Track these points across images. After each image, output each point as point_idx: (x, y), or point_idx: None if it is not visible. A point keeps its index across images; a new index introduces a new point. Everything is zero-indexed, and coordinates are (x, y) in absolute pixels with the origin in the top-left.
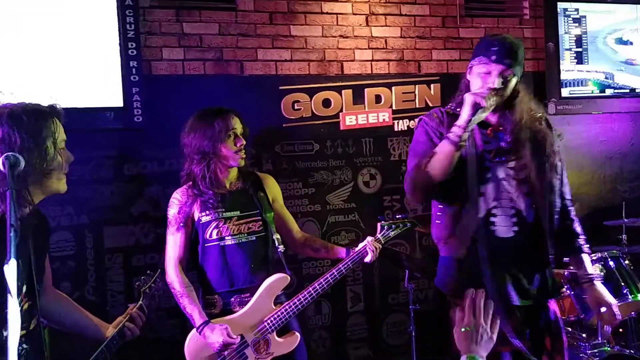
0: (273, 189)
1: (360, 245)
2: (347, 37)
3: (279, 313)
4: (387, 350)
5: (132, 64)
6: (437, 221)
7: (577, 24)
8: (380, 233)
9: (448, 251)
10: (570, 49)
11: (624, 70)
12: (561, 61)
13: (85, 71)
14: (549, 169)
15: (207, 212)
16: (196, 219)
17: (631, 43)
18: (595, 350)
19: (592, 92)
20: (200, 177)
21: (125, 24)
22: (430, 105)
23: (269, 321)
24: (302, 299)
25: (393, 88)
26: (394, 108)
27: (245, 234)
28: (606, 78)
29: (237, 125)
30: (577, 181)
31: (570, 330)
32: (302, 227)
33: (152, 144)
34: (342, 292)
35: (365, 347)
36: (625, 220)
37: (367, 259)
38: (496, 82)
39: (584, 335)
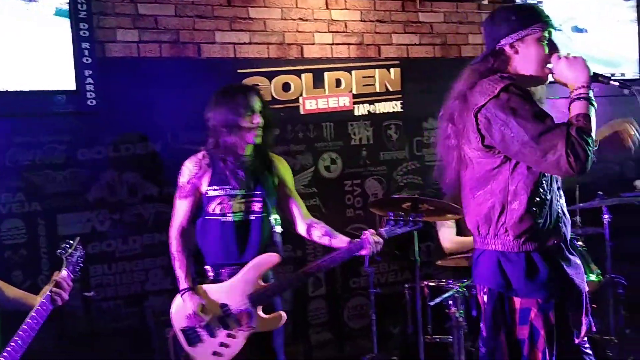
0: (282, 171)
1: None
2: (306, 20)
3: (264, 290)
4: (349, 333)
5: (85, 46)
6: (513, 206)
7: None
8: (385, 227)
9: (524, 245)
10: None
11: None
12: None
13: (35, 53)
14: None
15: (216, 186)
16: (203, 191)
17: (586, 31)
18: None
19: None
20: (219, 149)
21: (76, 4)
22: (391, 89)
23: (252, 295)
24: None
25: (353, 72)
26: (354, 92)
27: (246, 213)
28: None
29: (257, 103)
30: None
31: None
32: None
33: (107, 128)
34: None
35: (327, 331)
36: (580, 204)
37: (364, 251)
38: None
39: None
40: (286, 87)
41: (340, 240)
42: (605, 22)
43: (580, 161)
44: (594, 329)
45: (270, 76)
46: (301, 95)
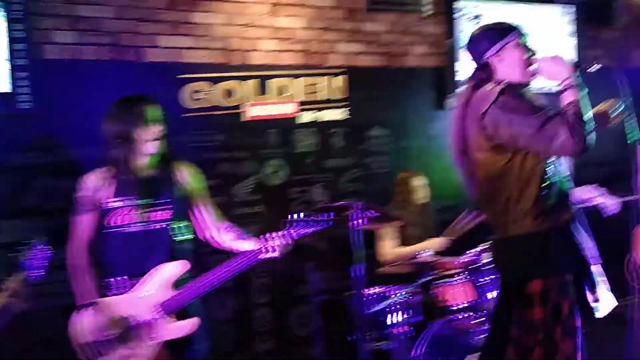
0: (190, 177)
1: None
2: (251, 27)
3: (174, 298)
4: (293, 341)
5: (19, 47)
6: (527, 193)
7: (475, 22)
8: (288, 229)
9: (541, 225)
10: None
11: None
12: (459, 58)
13: None
14: None
15: (118, 198)
16: (104, 203)
17: None
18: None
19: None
20: (118, 161)
21: (11, 5)
22: (337, 97)
23: (162, 304)
24: (196, 289)
25: (298, 79)
26: (299, 100)
27: (149, 223)
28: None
29: (153, 112)
30: None
31: (465, 315)
32: None
33: (42, 132)
34: (248, 285)
35: (271, 339)
36: None
37: (264, 256)
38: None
39: (477, 321)
40: (229, 93)
41: (249, 245)
42: (543, 35)
43: (582, 140)
44: (614, 302)
45: (213, 82)
46: (245, 101)
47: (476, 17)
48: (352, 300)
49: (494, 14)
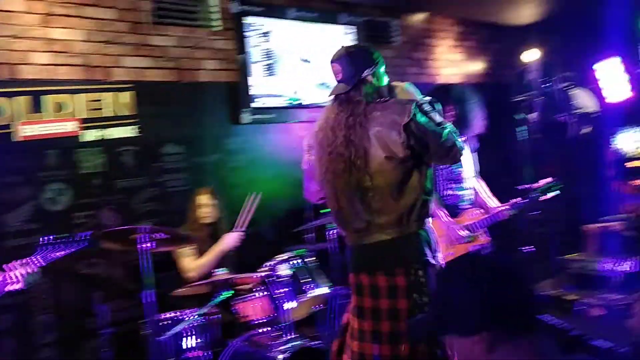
0: None
1: None
2: (20, 38)
3: None
4: None
5: None
6: (429, 197)
7: (264, 39)
8: (33, 255)
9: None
10: (259, 62)
11: (307, 86)
12: (252, 73)
13: None
14: None
15: None
16: None
17: (312, 61)
18: (287, 346)
19: (283, 103)
20: None
21: None
22: (124, 114)
23: None
24: None
25: (79, 95)
26: (81, 117)
27: None
28: (294, 93)
29: None
30: (274, 186)
31: (264, 330)
32: None
33: None
34: (29, 323)
35: None
36: (314, 222)
37: (8, 287)
38: None
39: (276, 334)
40: None
41: None
42: (329, 53)
43: (460, 151)
44: None
45: None
46: (15, 120)
47: (265, 33)
48: (145, 328)
49: (282, 31)
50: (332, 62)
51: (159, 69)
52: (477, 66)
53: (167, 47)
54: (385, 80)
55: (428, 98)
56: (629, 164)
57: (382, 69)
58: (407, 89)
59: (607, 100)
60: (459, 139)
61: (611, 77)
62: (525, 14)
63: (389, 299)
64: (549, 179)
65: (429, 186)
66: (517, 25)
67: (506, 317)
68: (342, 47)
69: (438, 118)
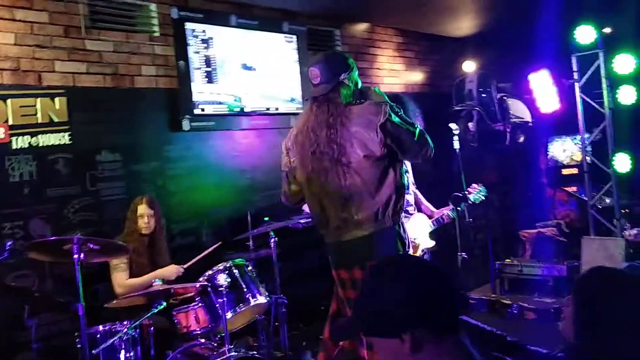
0: None
1: None
2: None
3: None
4: None
5: None
6: (402, 193)
7: (205, 45)
8: None
9: (401, 216)
10: (200, 69)
11: (249, 93)
12: (193, 80)
13: None
14: None
15: None
16: None
17: (255, 69)
18: (225, 357)
19: (224, 111)
20: None
21: None
22: (56, 120)
23: None
24: None
25: (9, 101)
26: (10, 123)
27: None
28: (235, 100)
29: None
30: (215, 194)
31: (203, 341)
32: None
33: None
34: None
35: None
36: (252, 231)
37: None
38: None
39: (215, 344)
40: None
41: None
42: (271, 61)
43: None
44: None
45: None
46: None
47: (206, 40)
48: (78, 341)
49: (224, 38)
50: (310, 66)
51: (94, 74)
52: (417, 76)
53: (103, 52)
54: (359, 84)
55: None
56: (563, 172)
57: (356, 73)
58: (379, 93)
59: (540, 111)
60: (429, 139)
61: (542, 88)
62: (464, 26)
63: None
64: (478, 185)
65: (403, 182)
66: (456, 37)
67: (431, 317)
68: (320, 53)
69: (409, 119)
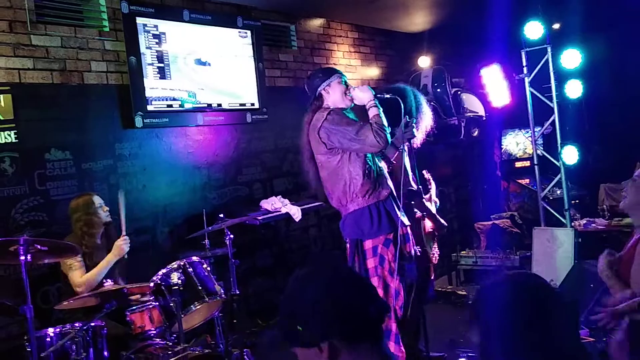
0: None
1: None
2: None
3: None
4: None
5: None
6: (355, 179)
7: (157, 41)
8: None
9: (368, 201)
10: (152, 65)
11: (204, 89)
12: (145, 76)
13: None
14: None
15: None
16: None
17: (209, 64)
18: (180, 356)
19: (178, 107)
20: None
21: None
22: (1, 118)
23: None
24: None
25: None
26: None
27: None
28: (189, 96)
29: None
30: (170, 192)
31: (158, 341)
32: None
33: None
34: None
35: None
36: (208, 228)
37: None
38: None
39: (170, 343)
40: None
41: None
42: (226, 56)
43: (383, 140)
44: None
45: None
46: None
47: (158, 35)
48: (27, 345)
49: (177, 34)
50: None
51: (41, 70)
52: (373, 71)
53: (50, 48)
54: (338, 89)
55: (388, 95)
56: (516, 165)
57: (337, 81)
58: (357, 92)
59: (493, 105)
60: (377, 130)
61: (494, 82)
62: (418, 22)
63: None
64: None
65: (357, 171)
66: (411, 32)
67: (347, 325)
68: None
69: (352, 118)
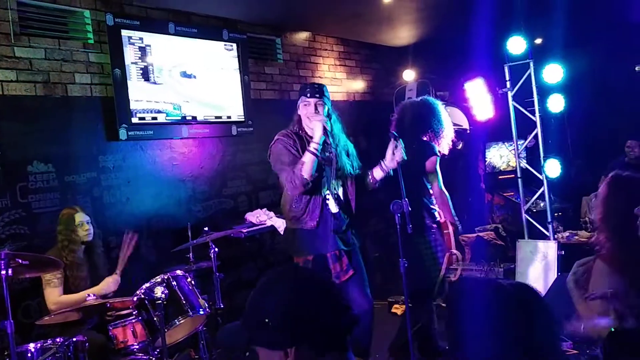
0: None
1: None
2: None
3: None
4: None
5: None
6: (289, 204)
7: (142, 53)
8: None
9: (293, 225)
10: (137, 77)
11: (189, 102)
12: (130, 88)
13: None
14: None
15: None
16: None
17: (195, 77)
18: None
19: (163, 119)
20: None
21: None
22: None
23: None
24: None
25: None
26: None
27: None
28: (174, 108)
29: None
30: (155, 205)
31: (141, 356)
32: None
33: None
34: None
35: None
36: (192, 241)
37: None
38: (317, 111)
39: (153, 358)
40: None
41: None
42: (212, 69)
43: (294, 187)
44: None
45: None
46: None
47: (144, 48)
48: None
49: (162, 46)
50: None
51: (24, 82)
52: (358, 85)
53: (33, 60)
54: (303, 110)
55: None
56: (500, 177)
57: (303, 103)
58: (313, 124)
59: (477, 118)
60: (294, 182)
61: (478, 96)
62: (403, 36)
63: None
64: None
65: (293, 192)
66: (396, 46)
67: (314, 333)
68: None
69: (290, 150)
